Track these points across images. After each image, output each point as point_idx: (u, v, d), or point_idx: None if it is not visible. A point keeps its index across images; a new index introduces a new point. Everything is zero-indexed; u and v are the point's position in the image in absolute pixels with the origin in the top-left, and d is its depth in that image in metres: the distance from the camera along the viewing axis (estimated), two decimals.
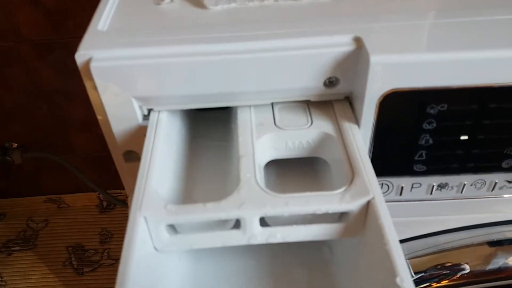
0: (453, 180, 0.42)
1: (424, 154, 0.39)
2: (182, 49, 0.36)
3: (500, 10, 0.39)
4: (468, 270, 0.49)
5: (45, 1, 0.88)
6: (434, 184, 0.42)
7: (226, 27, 0.38)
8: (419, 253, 0.49)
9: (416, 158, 0.40)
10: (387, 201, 0.42)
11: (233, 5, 0.43)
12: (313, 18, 0.39)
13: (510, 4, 0.39)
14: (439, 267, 0.49)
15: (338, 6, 0.41)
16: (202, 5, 0.43)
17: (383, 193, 0.42)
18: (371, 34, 0.36)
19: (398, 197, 0.43)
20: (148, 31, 0.38)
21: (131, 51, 0.36)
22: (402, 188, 0.42)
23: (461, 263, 0.50)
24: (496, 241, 0.50)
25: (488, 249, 0.49)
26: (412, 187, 0.42)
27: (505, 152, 0.39)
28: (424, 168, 0.40)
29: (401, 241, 0.49)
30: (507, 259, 0.49)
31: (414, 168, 0.40)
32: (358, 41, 0.36)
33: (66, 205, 1.26)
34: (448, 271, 0.49)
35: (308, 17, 0.40)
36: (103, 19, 0.40)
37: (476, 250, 0.50)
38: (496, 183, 0.42)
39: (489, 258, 0.50)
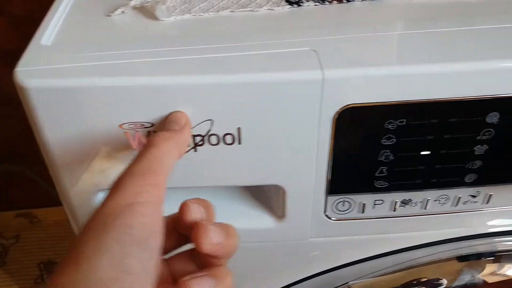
0: (416, 196, 0.40)
1: (385, 170, 0.38)
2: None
3: (458, 21, 0.37)
4: (445, 286, 0.48)
5: (10, 8, 0.85)
6: (397, 200, 0.40)
7: (175, 42, 0.36)
8: (388, 270, 0.48)
9: (376, 174, 0.38)
10: (349, 219, 0.41)
11: (187, 16, 0.41)
12: (268, 31, 0.38)
13: (468, 14, 0.38)
14: (414, 282, 0.48)
15: (295, 17, 0.40)
16: (154, 17, 0.41)
17: (344, 211, 0.41)
18: (326, 47, 0.34)
19: (361, 215, 0.41)
20: (94, 47, 0.36)
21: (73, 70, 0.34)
22: (364, 205, 0.41)
23: (439, 277, 0.48)
24: (465, 255, 0.49)
25: (458, 264, 0.48)
26: (374, 204, 0.41)
27: (467, 166, 0.38)
28: (385, 184, 0.39)
29: (367, 259, 0.48)
30: (475, 275, 0.48)
31: (376, 184, 0.39)
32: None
33: (37, 220, 1.22)
34: (424, 287, 0.48)
35: (264, 29, 0.38)
36: (48, 32, 0.38)
37: (445, 266, 0.48)
38: (460, 198, 0.41)
39: (458, 274, 0.48)
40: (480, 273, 0.48)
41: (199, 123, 0.34)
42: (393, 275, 0.48)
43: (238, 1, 0.43)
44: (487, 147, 0.37)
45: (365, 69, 0.33)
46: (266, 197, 0.42)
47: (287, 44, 0.36)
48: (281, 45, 0.35)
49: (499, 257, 0.49)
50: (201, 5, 0.42)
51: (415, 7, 0.40)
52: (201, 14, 0.42)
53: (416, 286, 0.47)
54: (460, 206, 0.42)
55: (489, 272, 0.48)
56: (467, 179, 0.39)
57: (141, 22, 0.40)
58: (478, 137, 0.36)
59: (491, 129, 0.36)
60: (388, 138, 0.36)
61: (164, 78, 0.33)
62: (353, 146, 0.36)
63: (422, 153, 0.37)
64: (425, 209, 0.41)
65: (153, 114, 0.34)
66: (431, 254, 0.48)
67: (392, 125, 0.35)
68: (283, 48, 0.35)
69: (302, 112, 0.34)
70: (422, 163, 0.38)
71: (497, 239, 0.49)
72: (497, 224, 0.46)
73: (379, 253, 0.47)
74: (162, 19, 0.40)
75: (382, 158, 0.37)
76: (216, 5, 0.43)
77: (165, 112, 0.34)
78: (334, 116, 0.34)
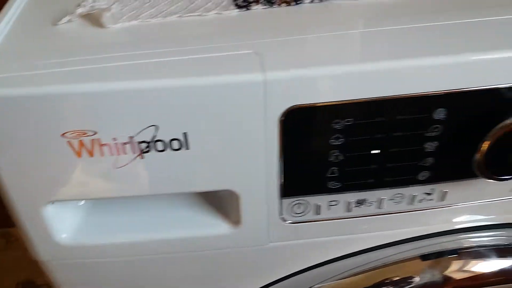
0: (370, 195, 0.40)
1: (336, 171, 0.38)
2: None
3: (404, 19, 0.38)
4: (419, 282, 0.47)
5: None
6: (352, 200, 0.40)
7: (118, 48, 0.36)
8: (352, 272, 0.48)
9: (329, 175, 0.38)
10: (305, 221, 0.40)
11: (134, 22, 0.41)
12: (214, 35, 0.37)
13: (413, 12, 0.39)
14: (387, 281, 0.48)
15: (243, 21, 0.39)
16: (101, 24, 0.40)
17: (300, 213, 0.40)
18: (270, 50, 0.34)
19: (317, 217, 0.41)
20: (37, 55, 0.35)
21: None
22: (319, 207, 0.40)
23: (412, 275, 0.48)
24: (428, 254, 0.48)
25: (422, 263, 0.48)
26: (329, 205, 0.40)
27: (419, 164, 0.38)
28: (338, 184, 0.39)
29: (329, 261, 0.47)
30: (440, 272, 0.48)
31: (329, 185, 0.39)
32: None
33: (14, 239, 1.20)
34: (397, 285, 0.48)
35: (210, 33, 0.38)
36: None
37: (409, 265, 0.48)
38: (415, 196, 0.41)
39: (423, 272, 0.48)
40: (446, 270, 0.48)
41: (143, 129, 0.34)
42: (357, 277, 0.48)
43: (186, 6, 0.42)
44: (437, 144, 0.37)
45: (308, 69, 0.33)
46: (221, 203, 0.42)
47: (231, 47, 0.35)
48: (225, 48, 0.35)
49: (464, 253, 0.48)
50: (149, 11, 0.42)
51: (362, 8, 0.40)
52: (149, 20, 0.41)
53: (388, 285, 0.47)
54: (416, 204, 0.42)
55: (455, 269, 0.48)
56: (420, 176, 0.39)
57: (87, 30, 0.39)
58: (427, 134, 0.36)
59: (439, 126, 0.36)
60: (337, 138, 0.36)
61: (105, 84, 0.33)
62: (302, 147, 0.36)
63: (372, 152, 0.37)
64: (381, 208, 0.41)
65: (96, 122, 0.34)
66: (394, 254, 0.48)
67: (339, 125, 0.35)
68: (227, 51, 0.35)
69: (247, 115, 0.34)
70: (373, 162, 0.38)
71: (460, 235, 0.49)
72: (457, 220, 0.46)
73: (341, 255, 0.46)
74: (109, 26, 0.40)
75: (332, 159, 0.37)
76: (164, 11, 0.42)
77: (109, 119, 0.33)
78: (280, 118, 0.34)
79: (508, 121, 0.34)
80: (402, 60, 0.34)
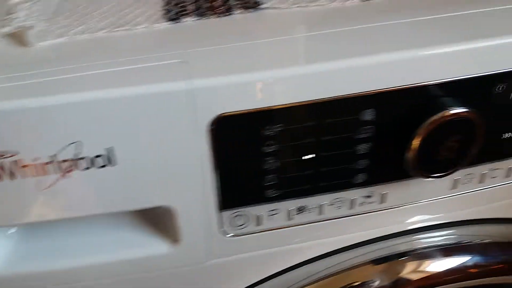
0: (310, 202, 0.40)
1: (273, 178, 0.37)
2: None
3: (330, 24, 0.38)
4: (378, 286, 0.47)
5: None
6: (292, 208, 0.40)
7: (39, 65, 0.34)
8: (304, 282, 0.47)
9: (266, 183, 0.37)
10: (248, 234, 0.39)
11: (61, 39, 0.39)
12: (141, 47, 0.36)
13: (338, 19, 0.39)
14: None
15: (172, 33, 0.39)
16: (26, 43, 0.39)
17: (241, 225, 0.39)
18: (198, 58, 0.34)
19: (258, 228, 0.40)
20: None
21: None
22: (259, 217, 0.39)
23: (371, 279, 0.47)
24: (380, 258, 0.48)
25: (374, 267, 0.47)
26: (270, 215, 0.40)
27: (354, 166, 0.38)
28: (277, 192, 0.38)
29: (277, 274, 0.46)
30: (395, 275, 0.48)
31: (267, 194, 0.38)
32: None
33: None
34: None
35: (138, 45, 0.37)
36: None
37: (362, 270, 0.48)
38: (355, 200, 0.41)
39: (378, 276, 0.48)
40: (400, 272, 0.47)
41: (65, 147, 0.32)
42: (310, 287, 0.47)
43: (116, 21, 0.42)
44: (370, 145, 0.37)
45: (235, 76, 0.33)
46: (158, 220, 0.40)
47: (158, 58, 0.35)
48: (151, 59, 0.34)
49: (415, 255, 0.48)
50: (77, 28, 0.41)
51: (292, 16, 0.41)
52: (77, 36, 0.40)
53: None
54: (358, 208, 0.41)
55: (409, 270, 0.48)
56: (357, 179, 0.39)
57: (11, 48, 0.38)
58: (358, 136, 0.36)
59: (370, 126, 0.36)
60: (269, 145, 0.35)
61: (22, 101, 0.31)
62: (236, 156, 0.36)
63: (306, 157, 0.36)
64: (322, 214, 0.41)
65: (16, 141, 0.32)
66: (346, 260, 0.47)
67: (270, 131, 0.34)
68: (153, 62, 0.34)
69: (175, 125, 0.33)
70: (308, 167, 0.37)
71: (410, 237, 0.49)
72: (403, 222, 0.46)
73: (289, 265, 0.45)
74: (34, 44, 0.38)
75: (268, 166, 0.36)
76: (92, 27, 0.41)
77: (29, 137, 0.32)
78: (209, 127, 0.33)
79: (435, 117, 0.35)
80: (328, 63, 0.34)
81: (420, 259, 0.49)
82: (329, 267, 0.47)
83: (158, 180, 0.35)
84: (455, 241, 0.50)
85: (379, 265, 0.48)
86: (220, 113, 0.33)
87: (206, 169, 0.35)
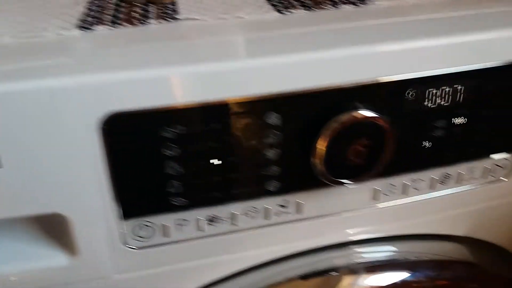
0: (221, 211, 0.38)
1: (177, 185, 0.35)
2: None
3: (241, 31, 0.37)
4: None
5: None
6: (202, 218, 0.37)
7: None
8: None
9: (169, 190, 0.35)
10: (153, 246, 0.37)
11: None
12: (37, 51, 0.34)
13: (250, 25, 0.38)
14: None
15: (83, 40, 0.37)
16: None
17: (146, 237, 0.37)
18: (89, 56, 0.32)
19: (165, 239, 0.37)
20: None
21: None
22: (166, 228, 0.37)
23: None
24: (308, 274, 0.46)
25: (303, 283, 0.45)
26: (178, 225, 0.37)
27: (264, 173, 0.36)
28: (183, 201, 0.36)
29: None
30: None
31: (172, 202, 0.36)
32: None
33: None
34: None
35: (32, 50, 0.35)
36: None
37: (289, 286, 0.45)
38: (269, 209, 0.39)
39: None
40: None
41: None
42: None
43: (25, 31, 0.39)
44: (279, 150, 0.35)
45: (129, 72, 0.31)
46: (56, 230, 0.37)
47: (51, 57, 0.33)
48: (43, 59, 0.32)
49: (343, 270, 0.46)
50: None
51: (209, 26, 0.39)
52: None
53: None
54: (273, 218, 0.39)
55: (347, 283, 0.46)
56: (270, 187, 0.37)
57: None
58: (265, 140, 0.35)
59: (276, 130, 0.34)
60: (170, 148, 0.33)
61: None
62: (134, 160, 0.33)
63: (212, 162, 0.34)
64: (236, 225, 0.39)
65: None
66: (270, 277, 0.45)
67: (169, 133, 0.33)
68: (44, 61, 0.32)
69: (63, 124, 0.31)
70: (216, 173, 0.35)
71: (336, 252, 0.47)
72: (324, 235, 0.44)
73: (207, 282, 0.43)
74: None
75: (170, 172, 0.34)
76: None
77: None
78: (101, 126, 0.31)
79: (340, 118, 0.33)
80: (230, 61, 0.32)
81: (347, 274, 0.47)
82: (252, 283, 0.45)
83: (48, 185, 0.33)
84: (386, 258, 0.49)
85: (308, 280, 0.46)
86: (111, 111, 0.31)
87: (101, 174, 0.33)
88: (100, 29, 0.39)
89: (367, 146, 0.35)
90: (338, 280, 0.46)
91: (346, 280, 0.46)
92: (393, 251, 0.49)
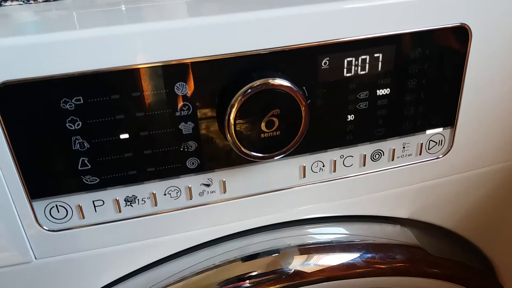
0: (140, 191, 0.36)
1: (87, 162, 0.34)
2: None
3: None
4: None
5: None
6: (119, 198, 0.36)
7: None
8: (163, 283, 0.42)
9: (80, 168, 0.34)
10: (70, 229, 0.35)
11: None
12: None
13: None
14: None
15: None
16: None
17: (61, 218, 0.36)
18: None
19: (83, 221, 0.36)
20: None
21: None
22: (82, 208, 0.36)
23: (248, 272, 0.43)
24: (249, 255, 0.44)
25: (242, 265, 0.43)
26: (94, 206, 0.36)
27: (180, 149, 0.35)
28: (95, 179, 0.35)
29: (131, 275, 0.41)
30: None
31: (84, 180, 0.34)
32: None
33: None
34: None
35: None
36: None
37: (230, 268, 0.43)
38: (191, 188, 0.37)
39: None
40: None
41: None
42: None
43: None
44: (193, 124, 0.35)
45: (20, 38, 0.30)
46: None
47: None
48: None
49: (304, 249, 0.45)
50: None
51: None
52: None
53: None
54: (198, 198, 0.38)
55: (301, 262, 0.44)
56: (189, 164, 0.36)
57: None
58: (176, 113, 0.34)
59: (187, 103, 0.33)
60: (73, 122, 0.32)
61: None
62: (35, 134, 0.32)
63: (120, 136, 0.33)
64: (157, 206, 0.37)
65: None
66: (208, 259, 0.43)
67: (70, 104, 0.32)
68: None
69: None
70: (126, 149, 0.34)
71: (266, 234, 0.45)
72: (257, 214, 0.42)
73: (143, 264, 0.41)
74: None
75: (78, 147, 0.33)
76: None
77: None
78: None
79: (249, 87, 0.33)
80: (132, 24, 0.32)
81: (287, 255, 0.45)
82: (190, 266, 0.43)
83: None
84: (330, 239, 0.48)
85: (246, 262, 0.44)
86: (3, 80, 0.30)
87: (2, 148, 0.32)
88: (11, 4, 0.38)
89: (282, 118, 0.34)
90: (278, 261, 0.44)
91: (286, 261, 0.45)
92: (336, 233, 0.48)
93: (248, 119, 0.33)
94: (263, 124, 0.34)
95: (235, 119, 0.33)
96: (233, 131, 0.33)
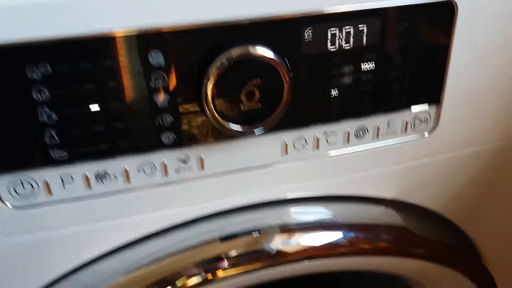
0: (111, 166, 0.35)
1: (55, 135, 0.32)
2: None
3: None
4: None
5: None
6: (89, 174, 0.34)
7: None
8: (134, 266, 0.40)
9: (47, 141, 0.32)
10: (37, 206, 0.33)
11: None
12: None
13: None
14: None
15: None
16: None
17: (26, 194, 0.34)
18: None
19: (50, 198, 0.34)
20: None
21: None
22: (48, 184, 0.34)
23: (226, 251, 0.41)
24: (228, 235, 0.43)
25: (221, 245, 0.42)
26: (62, 182, 0.34)
27: (154, 122, 0.33)
28: (63, 153, 0.33)
29: (105, 256, 0.39)
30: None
31: (51, 154, 0.32)
32: None
33: None
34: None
35: None
36: None
37: (208, 249, 0.42)
38: (167, 165, 0.36)
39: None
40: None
41: None
42: (143, 271, 0.40)
43: None
44: (168, 97, 0.33)
45: None
46: None
47: None
48: None
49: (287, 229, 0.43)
50: None
51: None
52: None
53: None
54: (174, 175, 0.37)
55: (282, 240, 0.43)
56: (165, 139, 0.34)
57: None
58: (150, 84, 0.32)
59: (162, 73, 0.31)
60: (40, 92, 0.30)
61: None
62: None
63: (90, 108, 0.31)
64: (130, 183, 0.36)
65: None
66: (187, 239, 0.42)
67: (36, 73, 0.29)
68: None
69: None
70: (96, 121, 0.32)
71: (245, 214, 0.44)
72: (237, 192, 0.41)
73: (116, 245, 0.39)
74: None
75: (45, 119, 0.31)
76: None
77: None
78: None
79: (224, 57, 0.31)
80: None
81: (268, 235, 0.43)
82: (168, 247, 0.42)
83: None
84: (315, 219, 0.46)
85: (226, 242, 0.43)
86: None
87: None
88: None
89: (263, 89, 0.32)
90: (258, 240, 0.43)
91: (267, 240, 0.43)
92: (319, 212, 0.46)
93: (227, 90, 0.32)
94: (243, 96, 0.32)
95: (213, 90, 0.31)
96: (211, 102, 0.32)
